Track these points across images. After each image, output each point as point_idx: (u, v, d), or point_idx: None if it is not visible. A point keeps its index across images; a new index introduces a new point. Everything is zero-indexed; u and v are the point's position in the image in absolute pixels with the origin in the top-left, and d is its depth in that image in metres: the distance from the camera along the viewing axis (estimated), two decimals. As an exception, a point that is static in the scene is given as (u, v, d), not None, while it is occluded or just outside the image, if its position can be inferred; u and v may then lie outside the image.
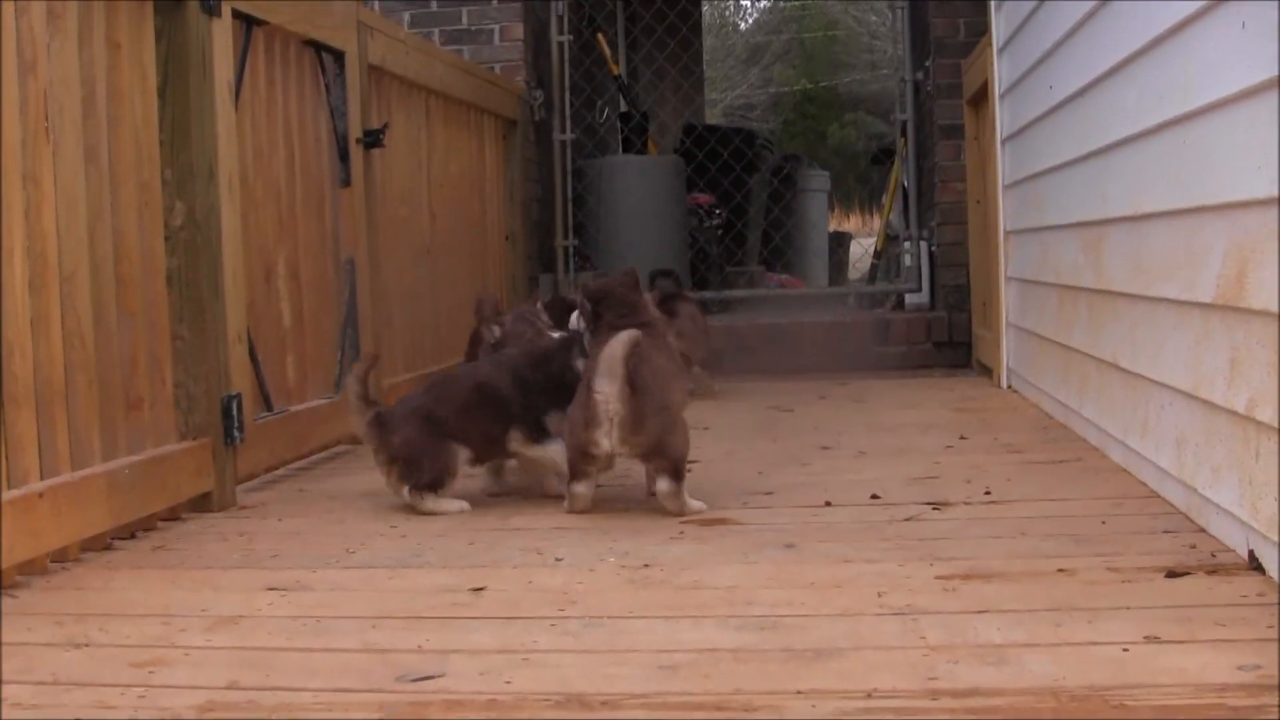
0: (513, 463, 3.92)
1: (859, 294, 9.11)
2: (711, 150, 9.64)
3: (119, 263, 3.46)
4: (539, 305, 4.68)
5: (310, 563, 3.12)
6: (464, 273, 6.34)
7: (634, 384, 3.39)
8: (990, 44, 5.95)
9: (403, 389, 4.79)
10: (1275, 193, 2.55)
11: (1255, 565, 2.69)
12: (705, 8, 19.34)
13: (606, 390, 3.40)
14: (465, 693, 2.15)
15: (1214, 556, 2.82)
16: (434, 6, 7.74)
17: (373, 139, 5.06)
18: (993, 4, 5.95)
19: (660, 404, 3.46)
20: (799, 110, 30.36)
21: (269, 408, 4.26)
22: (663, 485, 3.49)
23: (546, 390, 3.70)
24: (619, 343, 3.39)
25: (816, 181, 11.95)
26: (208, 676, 2.27)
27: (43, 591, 2.92)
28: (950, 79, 7.32)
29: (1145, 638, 2.28)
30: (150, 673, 2.30)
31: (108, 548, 3.31)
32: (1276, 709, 1.92)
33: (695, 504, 3.51)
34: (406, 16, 7.59)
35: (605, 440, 3.44)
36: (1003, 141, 5.94)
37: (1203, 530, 3.05)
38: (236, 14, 4.03)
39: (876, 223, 10.59)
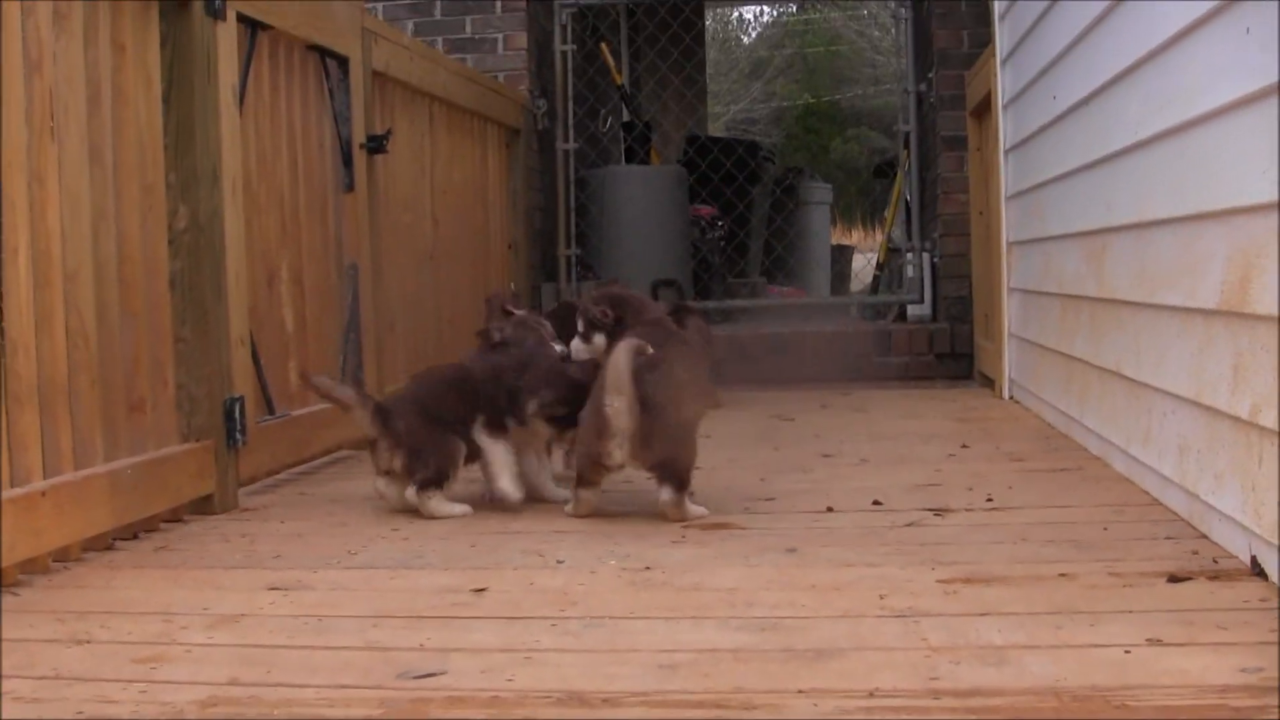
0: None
1: (861, 305, 9.11)
2: (715, 161, 9.66)
3: (122, 264, 3.46)
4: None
5: (312, 563, 3.12)
6: (466, 280, 6.35)
7: (644, 400, 3.38)
8: (993, 55, 5.96)
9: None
10: (1278, 198, 2.55)
11: (1257, 571, 2.69)
12: (709, 20, 19.39)
13: (616, 405, 3.39)
14: (467, 690, 2.15)
15: (1216, 562, 2.82)
16: (438, 15, 7.76)
17: (376, 145, 5.06)
18: (996, 15, 5.97)
19: (671, 420, 3.44)
20: (801, 124, 30.38)
21: (271, 411, 4.26)
22: (665, 495, 3.48)
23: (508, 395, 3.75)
24: (623, 354, 3.38)
25: (819, 194, 11.97)
26: (209, 673, 2.27)
27: (44, 590, 2.92)
28: (953, 90, 7.34)
29: (1147, 640, 2.28)
30: (152, 669, 2.31)
31: (109, 548, 3.31)
32: (1278, 710, 1.92)
33: (696, 509, 3.51)
34: (410, 25, 7.61)
35: (618, 452, 3.44)
36: (1006, 152, 5.94)
37: (1204, 537, 3.05)
38: (241, 18, 4.04)
39: (878, 237, 10.59)
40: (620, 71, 10.20)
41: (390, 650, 2.39)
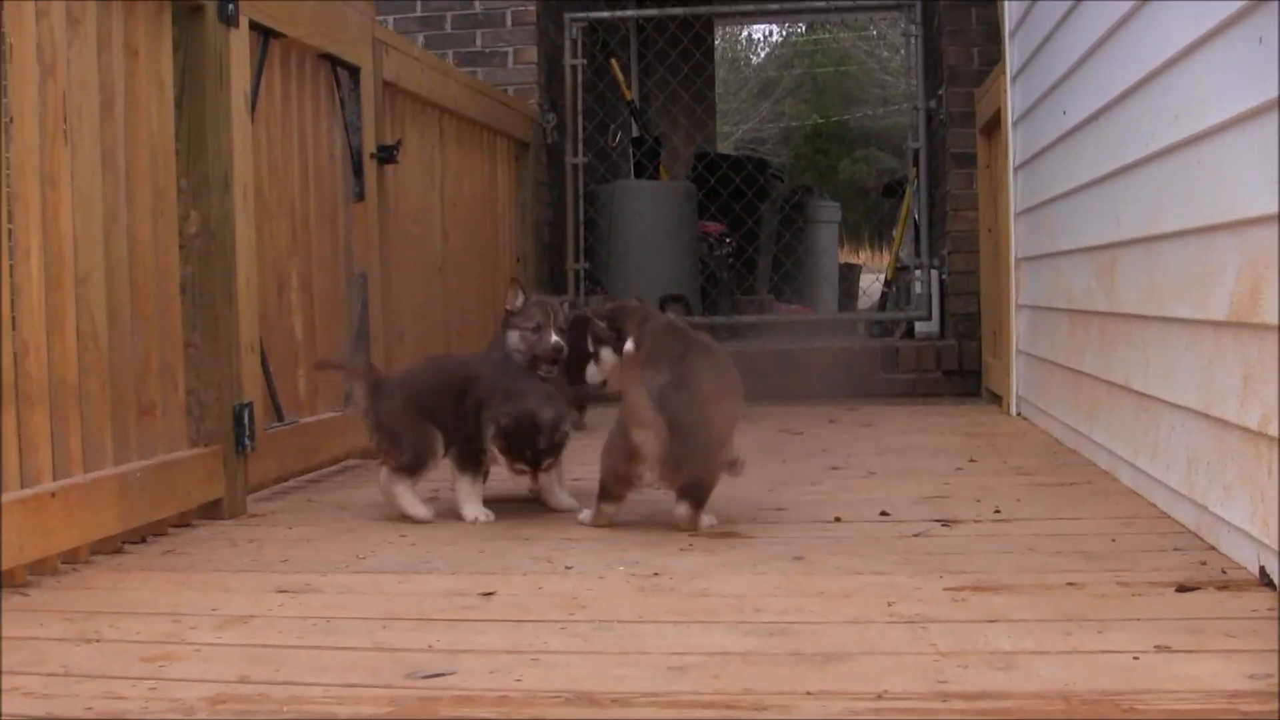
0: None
1: (869, 321, 9.11)
2: (724, 177, 9.67)
3: (133, 268, 3.47)
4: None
5: (320, 567, 3.12)
6: (475, 293, 6.35)
7: (672, 422, 3.34)
8: (1004, 72, 5.97)
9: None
10: (1290, 208, 2.56)
11: (1266, 581, 2.69)
12: (718, 39, 19.42)
13: (642, 435, 3.37)
14: (475, 689, 2.15)
15: (1224, 573, 2.82)
16: (448, 28, 7.78)
17: (387, 155, 5.08)
18: (1007, 32, 5.98)
19: (700, 440, 3.41)
20: (810, 144, 30.41)
21: (280, 418, 4.27)
22: (682, 510, 3.46)
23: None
24: (637, 391, 3.35)
25: (827, 212, 11.98)
26: (218, 671, 2.28)
27: (53, 590, 2.93)
28: (963, 107, 7.35)
29: (1155, 647, 2.28)
30: (161, 666, 2.31)
31: (118, 551, 3.32)
32: (1288, 715, 1.92)
33: (705, 519, 3.50)
34: (421, 38, 7.62)
35: (649, 474, 3.43)
36: (1015, 169, 5.95)
37: (1213, 548, 3.04)
38: (254, 25, 4.06)
39: (886, 257, 10.60)
40: (630, 86, 10.22)
41: (398, 651, 2.40)
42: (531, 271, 7.36)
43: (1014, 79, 5.88)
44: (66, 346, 3.13)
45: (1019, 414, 6.00)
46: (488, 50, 7.77)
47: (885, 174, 23.16)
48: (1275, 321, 2.64)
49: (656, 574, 2.97)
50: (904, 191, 8.74)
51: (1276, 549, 2.62)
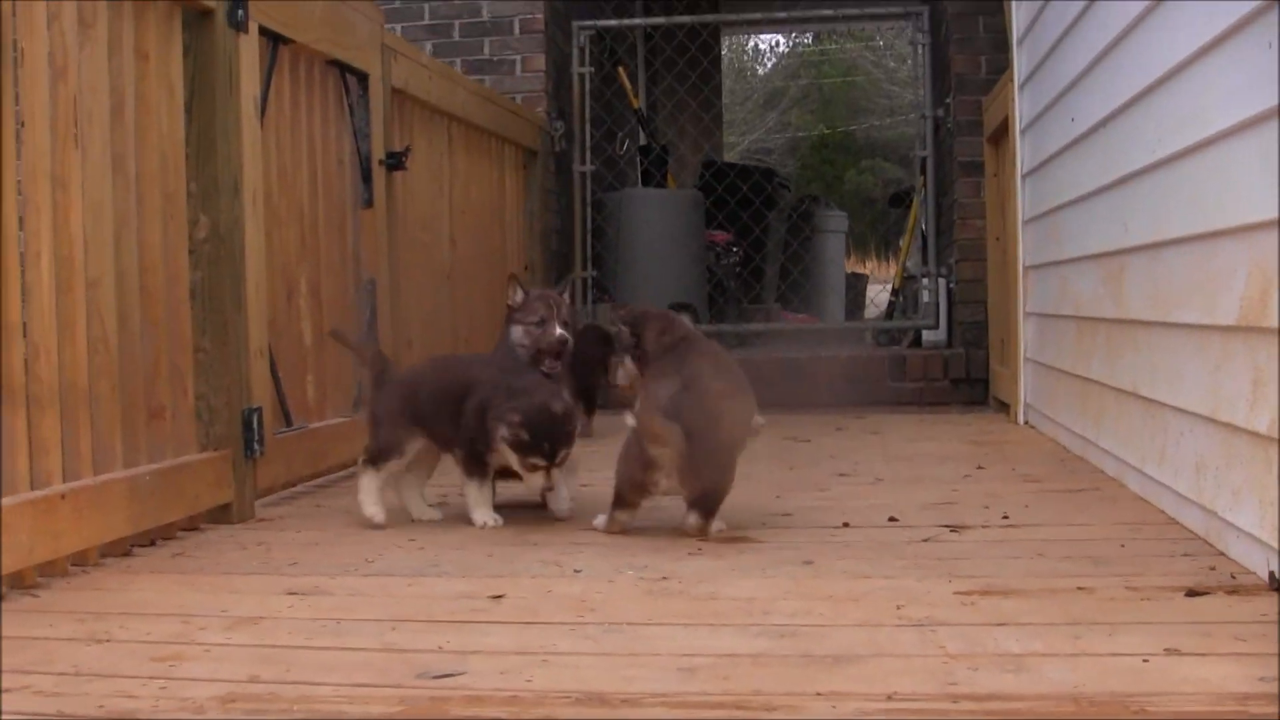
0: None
1: (876, 330, 9.11)
2: (731, 186, 9.67)
3: (143, 272, 3.48)
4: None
5: (328, 570, 3.12)
6: (482, 300, 6.36)
7: (686, 431, 3.35)
8: (1011, 80, 5.97)
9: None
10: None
11: (1275, 586, 2.69)
12: (724, 49, 19.44)
13: (657, 449, 3.38)
14: (485, 689, 2.15)
15: (1233, 578, 2.82)
16: (456, 36, 7.79)
17: (395, 161, 5.09)
18: (1014, 40, 5.98)
19: (712, 445, 3.40)
20: (816, 155, 30.46)
21: (288, 423, 4.28)
22: (693, 519, 3.44)
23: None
24: (650, 410, 3.36)
25: (834, 222, 11.97)
26: (228, 671, 2.28)
27: (62, 591, 2.93)
28: (971, 116, 7.35)
29: (1165, 650, 2.28)
30: (171, 666, 2.31)
31: (127, 553, 3.32)
32: (1298, 716, 1.92)
33: (714, 524, 3.50)
34: (429, 46, 7.64)
35: (665, 482, 3.43)
36: (1023, 177, 5.95)
37: (1222, 554, 3.04)
38: (263, 30, 4.07)
39: (893, 267, 10.60)
40: (637, 95, 10.24)
41: (408, 652, 2.40)
42: (539, 280, 7.36)
43: (1022, 87, 5.88)
44: (77, 350, 3.14)
45: (1026, 422, 5.99)
46: (495, 58, 7.78)
47: (891, 184, 23.19)
48: (1285, 325, 2.64)
49: (665, 578, 2.97)
50: (911, 201, 8.73)
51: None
